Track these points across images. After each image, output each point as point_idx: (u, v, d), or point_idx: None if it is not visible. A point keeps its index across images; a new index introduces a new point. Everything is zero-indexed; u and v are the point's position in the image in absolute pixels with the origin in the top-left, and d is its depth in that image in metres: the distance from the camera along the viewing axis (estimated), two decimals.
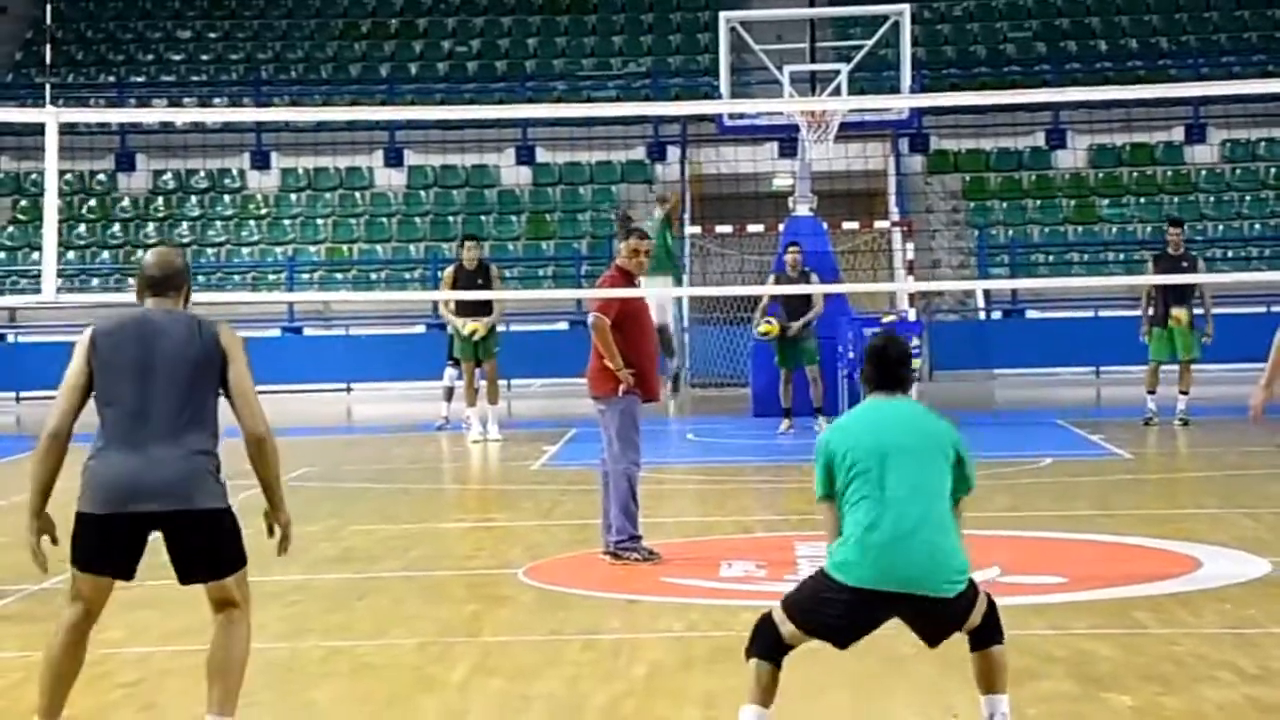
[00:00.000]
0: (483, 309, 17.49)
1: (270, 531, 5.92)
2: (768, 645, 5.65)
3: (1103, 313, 26.14)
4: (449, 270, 17.88)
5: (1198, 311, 17.53)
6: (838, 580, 5.59)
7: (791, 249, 17.91)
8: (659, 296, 13.43)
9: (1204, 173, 30.28)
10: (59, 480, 5.76)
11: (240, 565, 5.81)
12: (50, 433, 5.74)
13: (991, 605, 5.73)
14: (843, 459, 5.70)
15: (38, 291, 11.24)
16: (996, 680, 5.68)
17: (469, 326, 17.38)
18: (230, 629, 5.75)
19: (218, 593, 5.77)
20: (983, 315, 28.36)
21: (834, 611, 5.59)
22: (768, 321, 17.65)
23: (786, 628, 5.65)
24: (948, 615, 5.61)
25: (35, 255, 27.62)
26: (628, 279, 10.34)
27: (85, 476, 5.72)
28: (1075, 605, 8.40)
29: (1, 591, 9.19)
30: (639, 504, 9.92)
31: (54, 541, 5.78)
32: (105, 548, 5.69)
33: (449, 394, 18.79)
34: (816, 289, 17.35)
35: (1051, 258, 29.03)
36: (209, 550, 5.74)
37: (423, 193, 31.06)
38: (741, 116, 21.87)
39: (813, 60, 23.37)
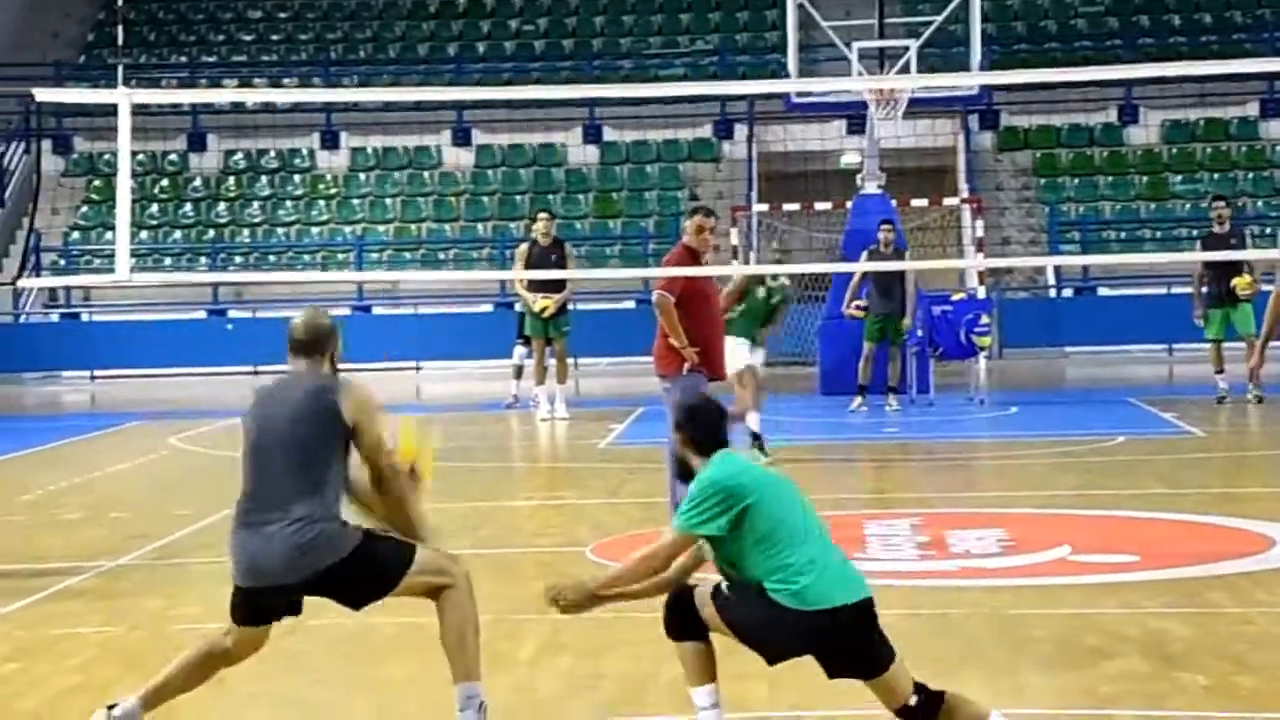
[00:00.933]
0: (555, 286, 17.49)
1: None
2: (687, 630, 5.58)
3: (1175, 289, 25.85)
4: (523, 247, 17.95)
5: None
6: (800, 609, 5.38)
7: (884, 226, 17.86)
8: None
9: (1278, 148, 29.89)
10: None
11: (407, 566, 5.89)
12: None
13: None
14: (751, 496, 5.49)
15: (111, 271, 11.34)
16: None
17: (540, 303, 17.41)
18: (445, 610, 5.92)
19: (410, 593, 5.93)
20: (1054, 293, 28.14)
21: (791, 631, 5.42)
22: (857, 304, 17.62)
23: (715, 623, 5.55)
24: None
25: (109, 235, 27.91)
26: (693, 256, 10.30)
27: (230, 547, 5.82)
28: (1148, 584, 8.33)
29: (78, 568, 9.30)
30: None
31: None
32: (249, 613, 5.82)
33: (519, 372, 18.84)
34: (908, 265, 17.31)
35: (1124, 234, 28.77)
36: (359, 592, 5.88)
37: (490, 172, 31.14)
38: (809, 94, 21.77)
39: (881, 36, 23.21)
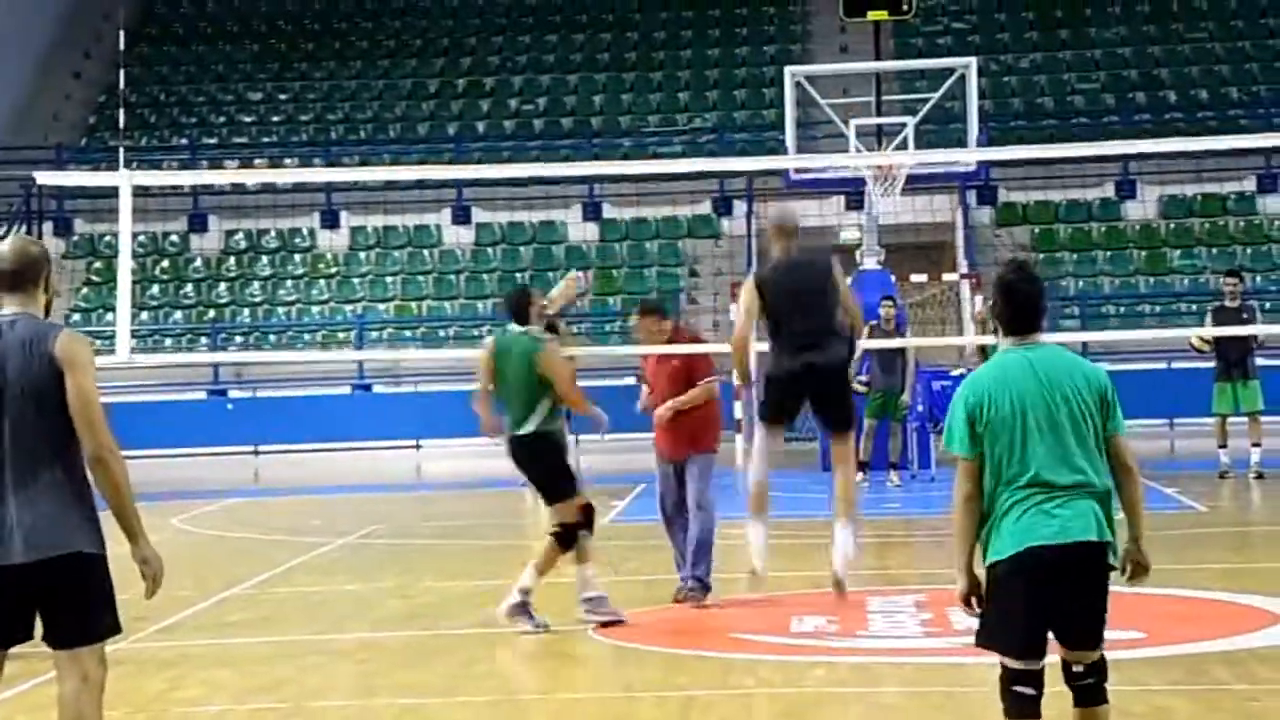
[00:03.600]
0: None
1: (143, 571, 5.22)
2: (1015, 697, 5.25)
3: (1175, 364, 25.88)
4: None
5: (1260, 363, 17.34)
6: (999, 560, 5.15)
7: (885, 303, 17.91)
8: None
9: (1277, 223, 30.02)
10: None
11: (110, 631, 5.17)
12: None
13: (1105, 661, 5.47)
14: (989, 415, 5.19)
15: (112, 352, 11.37)
16: None
17: None
18: (73, 706, 5.14)
19: (70, 663, 5.15)
20: None
21: (1018, 599, 5.15)
22: (859, 381, 17.63)
23: (1008, 661, 5.23)
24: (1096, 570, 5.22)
25: (109, 316, 27.96)
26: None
27: None
28: (1153, 661, 8.29)
29: None
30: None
31: None
32: None
33: None
34: (910, 342, 17.39)
35: (1123, 309, 28.83)
36: (70, 603, 5.11)
37: (490, 250, 31.25)
38: (808, 170, 21.89)
39: (879, 114, 23.38)
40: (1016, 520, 5.15)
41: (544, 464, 9.91)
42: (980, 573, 5.29)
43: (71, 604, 5.08)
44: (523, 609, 9.61)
